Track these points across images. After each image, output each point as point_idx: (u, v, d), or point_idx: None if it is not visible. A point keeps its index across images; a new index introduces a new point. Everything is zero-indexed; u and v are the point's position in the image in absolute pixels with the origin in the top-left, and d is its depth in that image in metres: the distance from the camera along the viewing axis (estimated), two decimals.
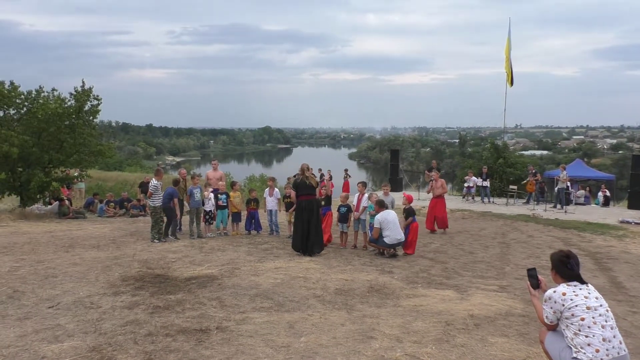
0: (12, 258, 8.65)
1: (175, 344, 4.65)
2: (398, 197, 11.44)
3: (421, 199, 19.42)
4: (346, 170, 25.48)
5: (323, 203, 10.51)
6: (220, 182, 12.41)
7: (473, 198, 20.33)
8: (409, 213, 10.01)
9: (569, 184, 18.53)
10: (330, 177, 23.67)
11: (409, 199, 10.31)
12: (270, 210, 11.84)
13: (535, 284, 3.85)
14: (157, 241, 10.62)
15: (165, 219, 11.04)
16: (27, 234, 11.56)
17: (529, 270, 3.96)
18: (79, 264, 8.14)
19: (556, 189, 18.17)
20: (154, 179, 11.20)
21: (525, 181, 19.82)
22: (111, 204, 17.60)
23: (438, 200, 13.09)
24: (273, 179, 12.52)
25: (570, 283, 3.57)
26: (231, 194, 12.09)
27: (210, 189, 11.92)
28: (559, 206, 17.68)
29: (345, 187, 22.79)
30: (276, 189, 12.02)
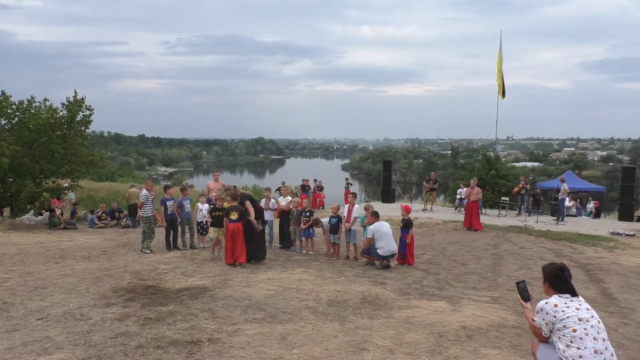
0: (1, 269, 8.55)
1: (166, 356, 4.61)
2: (392, 208, 11.47)
3: (413, 210, 19.46)
4: (347, 179, 25.50)
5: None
6: (213, 193, 12.37)
7: (465, 209, 20.38)
8: (407, 224, 10.00)
9: (565, 196, 18.66)
10: (322, 188, 23.64)
11: (407, 210, 10.33)
12: (266, 221, 11.79)
13: (527, 296, 3.85)
14: (148, 252, 10.56)
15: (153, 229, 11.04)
16: (17, 245, 11.44)
17: (518, 283, 3.96)
18: (69, 275, 8.06)
19: (557, 197, 18.34)
20: (144, 189, 11.18)
21: (516, 188, 20.00)
22: (103, 215, 17.52)
23: (474, 205, 15.66)
24: (269, 190, 12.51)
25: (562, 295, 3.58)
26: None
27: (204, 199, 11.86)
28: (560, 218, 17.75)
29: (346, 197, 22.79)
30: (272, 200, 12.00)
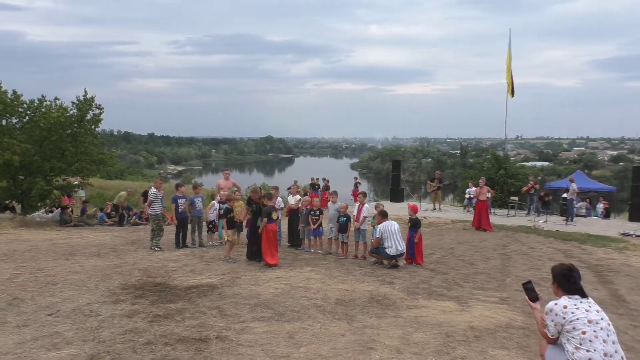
0: (12, 265, 8.64)
1: (174, 352, 4.64)
2: (401, 208, 11.43)
3: (422, 209, 19.41)
4: (356, 178, 25.43)
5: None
6: (222, 192, 12.39)
7: (474, 209, 20.29)
8: (415, 223, 9.97)
9: (574, 196, 18.53)
10: (328, 188, 23.59)
11: (414, 209, 10.29)
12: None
13: (534, 296, 3.82)
14: (157, 249, 10.62)
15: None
16: (28, 242, 11.55)
17: (524, 284, 3.93)
18: (79, 272, 8.13)
19: (563, 196, 18.23)
20: (153, 187, 11.26)
21: (525, 187, 19.88)
22: (113, 212, 17.63)
23: (483, 204, 15.57)
24: (276, 188, 12.52)
25: (572, 296, 3.55)
26: (235, 204, 12.04)
27: (218, 198, 11.89)
28: (569, 219, 17.64)
29: (355, 196, 22.75)
30: (279, 198, 12.01)
